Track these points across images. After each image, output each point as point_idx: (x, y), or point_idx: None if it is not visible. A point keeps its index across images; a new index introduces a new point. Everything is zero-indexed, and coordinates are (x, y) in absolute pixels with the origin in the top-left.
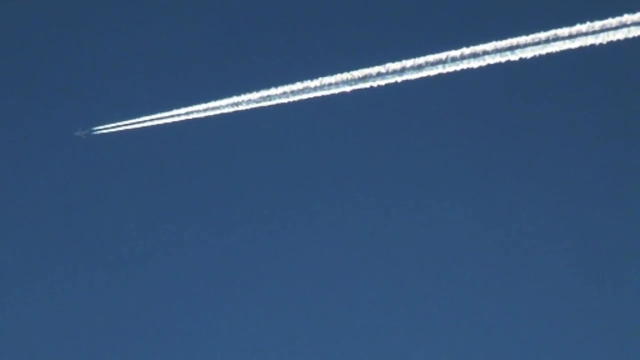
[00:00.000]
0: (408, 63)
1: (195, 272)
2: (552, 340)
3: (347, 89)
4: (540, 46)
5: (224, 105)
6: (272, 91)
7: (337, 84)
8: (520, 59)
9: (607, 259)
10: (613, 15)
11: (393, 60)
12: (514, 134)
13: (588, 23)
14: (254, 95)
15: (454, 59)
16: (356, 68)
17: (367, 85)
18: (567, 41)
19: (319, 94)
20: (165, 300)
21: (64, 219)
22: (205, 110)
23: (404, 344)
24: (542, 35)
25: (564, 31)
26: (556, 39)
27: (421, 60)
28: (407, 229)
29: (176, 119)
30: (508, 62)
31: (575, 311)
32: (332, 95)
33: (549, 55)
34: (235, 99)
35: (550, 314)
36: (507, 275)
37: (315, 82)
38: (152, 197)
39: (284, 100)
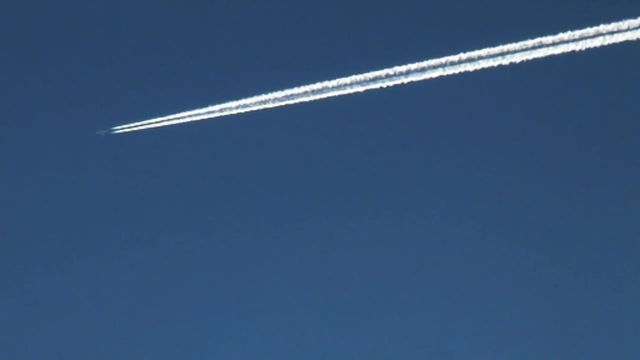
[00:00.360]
0: (413, 66)
1: (209, 269)
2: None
3: (361, 89)
4: (527, 52)
5: (242, 105)
6: (293, 90)
7: (352, 84)
8: (510, 63)
9: (608, 261)
10: (591, 25)
11: (400, 63)
12: (508, 132)
13: (569, 32)
14: (274, 95)
15: (452, 63)
16: (368, 70)
17: (377, 85)
18: (550, 48)
19: (336, 93)
20: (182, 298)
21: (83, 214)
22: (223, 110)
23: (405, 345)
24: (529, 42)
25: (548, 39)
26: (541, 45)
27: (424, 64)
28: (412, 227)
29: (193, 118)
30: (500, 66)
31: (576, 315)
32: (348, 94)
33: (535, 60)
34: (256, 98)
35: (551, 317)
36: (509, 278)
37: (333, 83)
38: (168, 193)
39: (305, 99)
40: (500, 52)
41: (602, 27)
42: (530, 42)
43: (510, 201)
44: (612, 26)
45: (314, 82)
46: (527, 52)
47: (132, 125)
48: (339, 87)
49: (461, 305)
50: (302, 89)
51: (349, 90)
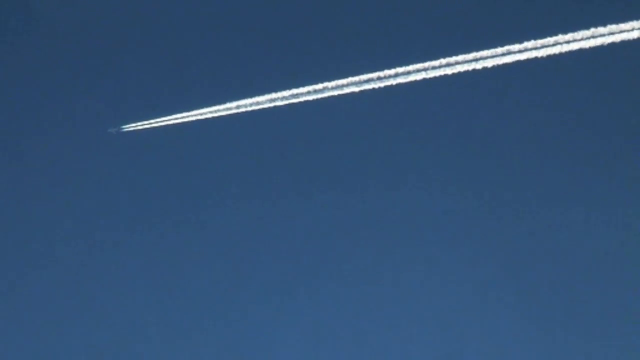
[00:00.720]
0: (400, 70)
1: (216, 265)
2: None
3: (356, 89)
4: (497, 58)
5: (248, 104)
6: (296, 90)
7: (348, 85)
8: (483, 67)
9: (608, 261)
10: (550, 35)
11: (389, 67)
12: (502, 134)
13: (532, 41)
14: (280, 94)
15: (433, 67)
16: (362, 73)
17: (370, 86)
18: (517, 54)
19: (334, 93)
20: (187, 294)
21: (95, 209)
22: (229, 109)
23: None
24: (499, 50)
25: (515, 47)
26: (509, 52)
27: (410, 67)
28: (408, 224)
29: (198, 117)
30: (474, 70)
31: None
32: (345, 94)
33: (504, 65)
34: (261, 97)
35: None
36: (507, 275)
37: (332, 83)
38: (176, 189)
39: (308, 98)
40: (491, 55)
41: (561, 37)
42: (499, 50)
43: (508, 202)
44: (569, 36)
45: (315, 82)
46: (497, 58)
47: (141, 123)
48: (336, 87)
49: (461, 303)
50: (304, 89)
51: (346, 90)
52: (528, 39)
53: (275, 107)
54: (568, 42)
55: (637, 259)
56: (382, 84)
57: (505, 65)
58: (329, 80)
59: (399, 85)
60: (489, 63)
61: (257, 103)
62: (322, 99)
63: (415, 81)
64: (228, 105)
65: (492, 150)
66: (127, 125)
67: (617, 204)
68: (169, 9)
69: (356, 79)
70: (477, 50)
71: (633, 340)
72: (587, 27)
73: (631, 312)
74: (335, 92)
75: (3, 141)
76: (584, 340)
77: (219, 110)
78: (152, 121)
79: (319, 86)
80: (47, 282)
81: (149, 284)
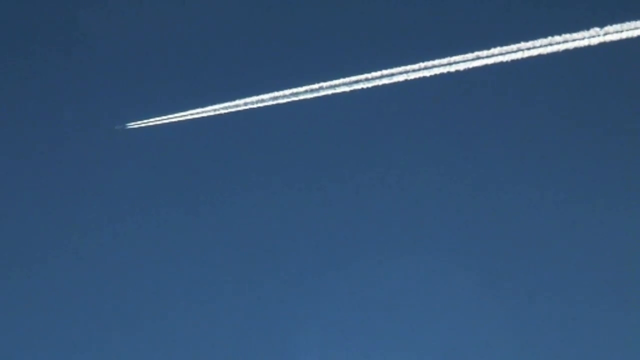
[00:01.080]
0: (385, 72)
1: (219, 262)
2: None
3: (347, 89)
4: (474, 61)
5: (251, 102)
6: (294, 90)
7: (340, 85)
8: (456, 70)
9: (607, 261)
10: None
11: (376, 69)
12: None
13: (508, 46)
14: (283, 93)
15: (418, 69)
16: (353, 74)
17: (360, 87)
18: (488, 58)
19: (329, 92)
20: (196, 293)
21: (102, 203)
22: (230, 107)
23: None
24: (470, 55)
25: (485, 52)
26: (477, 58)
27: (394, 70)
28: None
29: (202, 115)
30: (455, 70)
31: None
32: (338, 93)
33: (491, 65)
34: (261, 96)
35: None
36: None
37: (328, 83)
38: (179, 185)
39: (304, 97)
40: (482, 56)
41: (526, 43)
42: (470, 55)
43: (505, 201)
44: (535, 42)
45: (312, 82)
46: (474, 61)
47: (146, 121)
48: (330, 87)
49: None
50: (302, 88)
51: (338, 90)
52: (510, 43)
53: (279, 104)
54: (537, 46)
55: (637, 259)
56: (370, 85)
57: (492, 66)
58: (324, 80)
59: (384, 85)
60: (480, 64)
61: (260, 101)
62: (318, 97)
63: (399, 82)
64: (229, 103)
65: (486, 150)
66: (133, 123)
67: (617, 204)
68: (175, 9)
69: (347, 79)
70: (471, 51)
71: (633, 339)
72: (567, 32)
73: (630, 312)
74: (329, 92)
75: (10, 138)
76: (582, 341)
77: (220, 109)
78: (157, 119)
79: (315, 86)
80: (50, 280)
81: (153, 281)
